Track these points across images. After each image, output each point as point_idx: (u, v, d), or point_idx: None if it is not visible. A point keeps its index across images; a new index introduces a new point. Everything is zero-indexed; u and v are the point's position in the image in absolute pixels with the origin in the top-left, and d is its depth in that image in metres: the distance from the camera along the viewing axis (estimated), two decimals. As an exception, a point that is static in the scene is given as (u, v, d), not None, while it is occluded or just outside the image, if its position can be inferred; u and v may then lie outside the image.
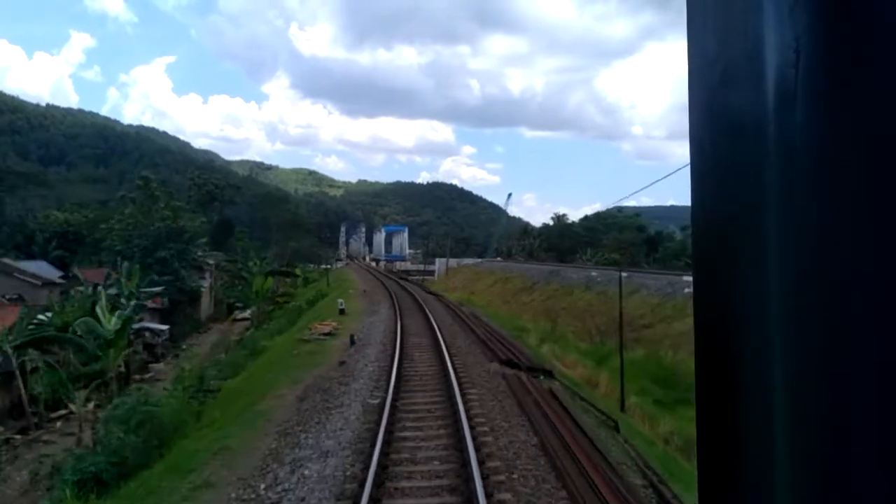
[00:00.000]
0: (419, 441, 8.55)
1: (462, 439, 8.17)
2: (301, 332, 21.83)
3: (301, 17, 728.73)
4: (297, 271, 59.21)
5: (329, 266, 70.33)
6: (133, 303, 29.43)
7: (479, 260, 79.66)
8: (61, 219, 62.94)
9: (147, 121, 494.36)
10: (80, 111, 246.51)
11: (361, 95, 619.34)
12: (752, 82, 0.50)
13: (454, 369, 12.49)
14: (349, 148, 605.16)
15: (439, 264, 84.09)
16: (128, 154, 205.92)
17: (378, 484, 6.96)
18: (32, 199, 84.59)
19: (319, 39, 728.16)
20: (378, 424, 9.00)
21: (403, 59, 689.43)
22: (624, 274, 22.65)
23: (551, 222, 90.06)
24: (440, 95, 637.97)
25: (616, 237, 65.84)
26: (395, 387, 11.23)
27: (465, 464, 7.43)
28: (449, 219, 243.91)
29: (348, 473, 7.53)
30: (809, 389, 0.45)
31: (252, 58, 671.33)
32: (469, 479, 6.95)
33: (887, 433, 0.40)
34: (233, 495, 7.48)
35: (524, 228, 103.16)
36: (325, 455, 8.27)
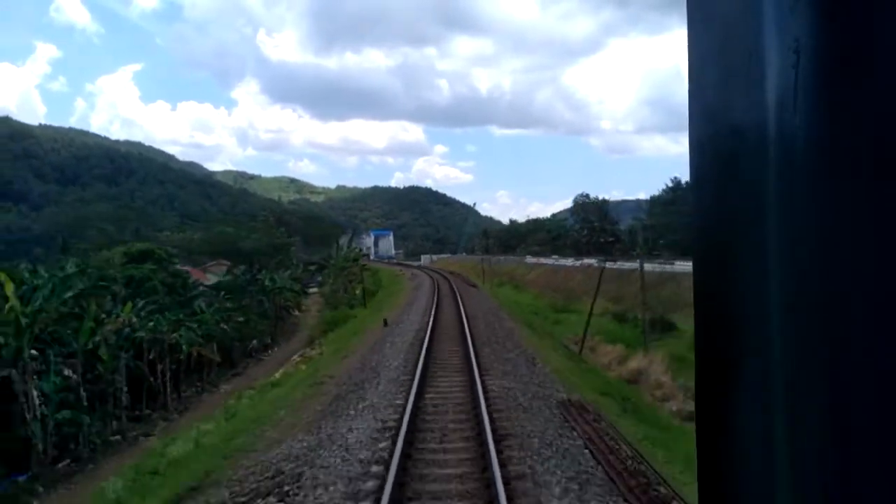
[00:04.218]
0: (438, 276, 54.64)
1: (447, 279, 54.23)
2: (389, 275, 67.58)
3: (268, 24, 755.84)
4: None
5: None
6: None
7: (451, 254, 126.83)
8: (186, 238, 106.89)
9: (115, 130, 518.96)
10: (90, 133, 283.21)
11: (331, 99, 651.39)
12: (752, 82, 0.52)
13: (442, 274, 58.61)
14: (321, 151, 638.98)
15: (424, 259, 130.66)
16: (134, 173, 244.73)
17: (435, 280, 53.05)
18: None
19: (287, 45, 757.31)
20: (433, 277, 55.05)
21: (372, 62, 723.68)
22: (500, 258, 69.13)
23: (506, 223, 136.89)
24: (410, 96, 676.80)
25: (534, 236, 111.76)
26: (434, 278, 57.19)
27: (446, 278, 53.46)
28: (426, 220, 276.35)
29: (427, 281, 53.38)
30: (809, 389, 0.46)
31: (220, 64, 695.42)
32: (449, 281, 52.92)
33: (887, 433, 0.41)
34: (410, 282, 53.01)
35: (484, 231, 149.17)
36: (423, 279, 54.06)
